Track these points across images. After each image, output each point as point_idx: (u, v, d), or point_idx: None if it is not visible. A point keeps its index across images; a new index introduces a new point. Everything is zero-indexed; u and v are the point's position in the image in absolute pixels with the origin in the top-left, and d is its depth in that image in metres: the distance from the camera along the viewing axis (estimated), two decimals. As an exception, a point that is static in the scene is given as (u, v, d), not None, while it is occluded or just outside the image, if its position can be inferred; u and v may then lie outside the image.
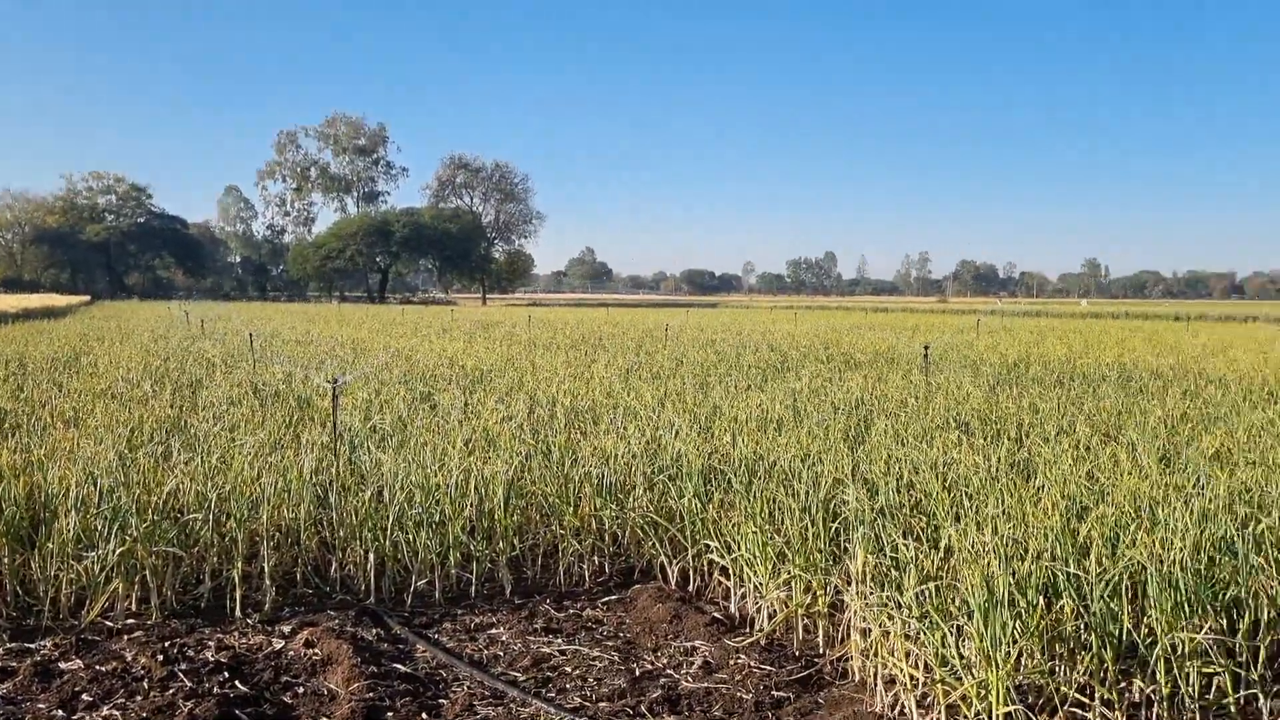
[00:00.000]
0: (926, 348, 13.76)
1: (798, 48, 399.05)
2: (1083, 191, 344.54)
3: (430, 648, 4.89)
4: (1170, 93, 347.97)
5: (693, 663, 4.74)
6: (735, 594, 5.51)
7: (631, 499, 6.44)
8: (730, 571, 5.53)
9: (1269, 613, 4.37)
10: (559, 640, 5.05)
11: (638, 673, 4.62)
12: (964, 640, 4.03)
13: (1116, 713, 3.86)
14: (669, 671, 4.64)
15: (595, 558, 6.23)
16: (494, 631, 5.22)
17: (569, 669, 4.68)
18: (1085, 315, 58.32)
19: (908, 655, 4.11)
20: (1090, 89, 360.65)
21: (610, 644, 5.02)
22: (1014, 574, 4.17)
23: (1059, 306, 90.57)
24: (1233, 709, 4.01)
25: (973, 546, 4.55)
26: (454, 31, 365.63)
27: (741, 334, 27.74)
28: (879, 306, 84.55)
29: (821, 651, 4.87)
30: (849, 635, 4.59)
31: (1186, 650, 4.02)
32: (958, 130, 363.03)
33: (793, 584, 5.04)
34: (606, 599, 5.76)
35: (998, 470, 6.38)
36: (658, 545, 6.04)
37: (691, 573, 5.93)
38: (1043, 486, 5.92)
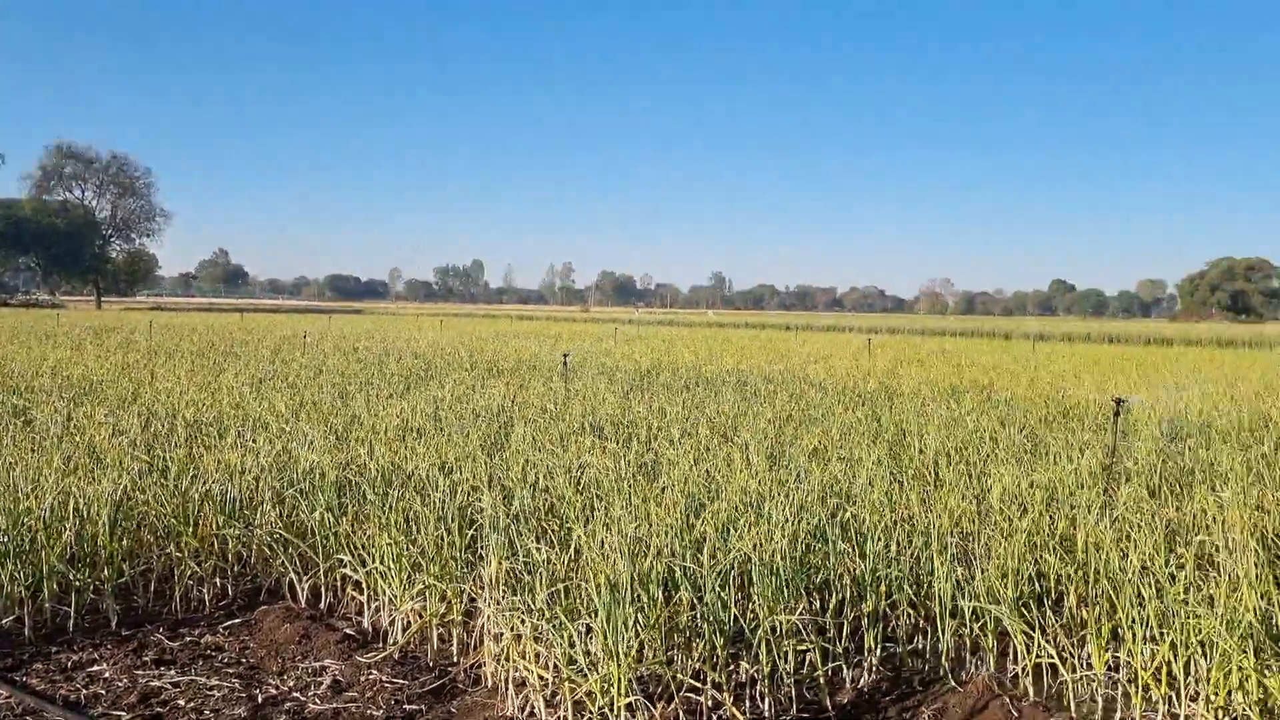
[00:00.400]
0: (565, 356, 14.19)
1: (433, 47, 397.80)
2: (711, 209, 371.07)
3: (15, 692, 4.35)
4: (772, 119, 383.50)
5: (321, 683, 4.56)
6: (369, 608, 5.38)
7: (259, 515, 6.11)
8: (364, 585, 5.39)
9: (851, 591, 4.93)
10: (172, 672, 4.67)
11: (260, 699, 4.38)
12: (591, 638, 4.20)
13: (725, 694, 4.18)
14: (295, 695, 4.44)
15: (218, 580, 5.84)
16: (96, 668, 4.74)
17: (182, 702, 4.34)
18: (712, 324, 62.86)
19: (537, 657, 4.22)
20: (717, 112, 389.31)
21: (231, 671, 4.72)
22: (636, 571, 4.41)
23: (690, 316, 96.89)
24: (822, 680, 4.48)
25: (601, 546, 4.75)
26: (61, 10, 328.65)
27: (386, 341, 27.16)
28: (524, 315, 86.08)
29: (456, 660, 4.87)
30: (482, 642, 4.63)
31: (784, 631, 4.44)
32: (599, 144, 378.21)
33: (427, 594, 5.00)
34: (229, 623, 5.41)
35: (626, 472, 6.71)
36: (287, 563, 5.76)
37: (324, 590, 5.72)
38: (666, 486, 6.30)
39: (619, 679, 3.91)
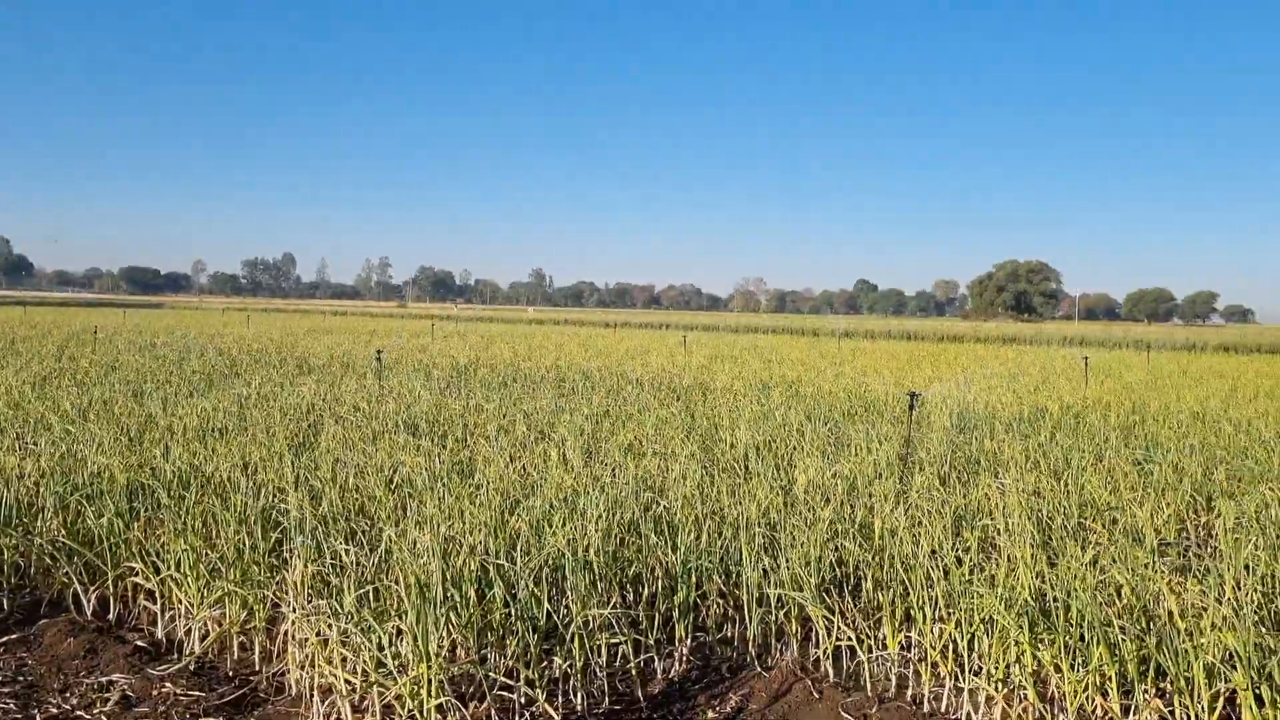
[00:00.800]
0: (379, 352, 13.85)
1: (244, 30, 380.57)
2: (531, 206, 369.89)
3: None
4: (590, 118, 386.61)
5: (109, 699, 4.29)
6: (163, 618, 5.09)
7: (40, 523, 5.69)
8: (158, 594, 5.10)
9: (664, 584, 5.03)
10: (-63, 695, 4.30)
11: (40, 719, 4.08)
12: (402, 640, 4.11)
13: (538, 690, 4.18)
14: (79, 713, 4.16)
15: (-10, 594, 5.40)
16: None
17: (-51, 728, 4.00)
18: (532, 321, 62.73)
19: (344, 662, 4.10)
20: (537, 109, 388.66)
21: (6, 691, 4.37)
22: (448, 570, 4.35)
23: (510, 313, 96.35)
24: (634, 672, 4.55)
25: (412, 546, 4.67)
26: None
27: (187, 337, 25.77)
28: (339, 310, 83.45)
29: (258, 669, 4.67)
30: (286, 649, 4.46)
31: (597, 625, 4.48)
32: (417, 137, 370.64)
33: (227, 601, 4.78)
34: (4, 639, 5.01)
35: (441, 470, 6.61)
36: (71, 573, 5.39)
37: (113, 600, 5.37)
38: (481, 484, 6.24)
39: (429, 680, 3.85)
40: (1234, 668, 3.78)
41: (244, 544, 4.95)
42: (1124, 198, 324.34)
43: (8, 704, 4.23)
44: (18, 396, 10.47)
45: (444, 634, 4.10)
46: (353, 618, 4.14)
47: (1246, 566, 4.96)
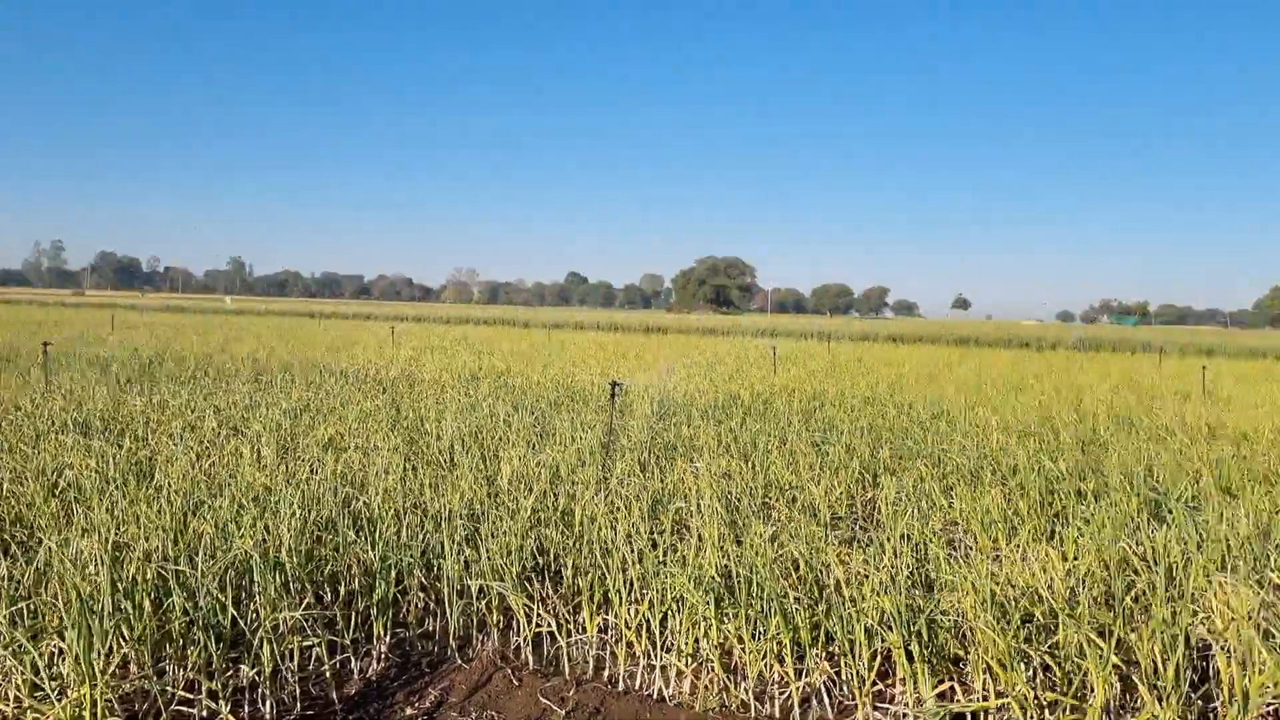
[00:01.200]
0: (46, 345, 12.56)
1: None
2: (230, 190, 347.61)
3: None
4: (289, 98, 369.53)
5: None
6: None
7: None
8: None
9: (361, 581, 4.89)
10: None
11: None
12: (64, 659, 3.75)
13: (222, 701, 3.95)
14: None
15: None
16: None
17: None
18: (230, 313, 58.98)
19: (-7, 687, 3.69)
20: (234, 87, 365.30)
21: None
22: (119, 580, 4.02)
23: (206, 303, 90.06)
24: (329, 674, 4.39)
25: (76, 556, 4.27)
26: None
27: None
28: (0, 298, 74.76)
29: (-115, 704, 4.11)
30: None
31: (289, 628, 4.29)
32: (96, 109, 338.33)
33: None
34: None
35: (114, 472, 6.09)
36: None
37: None
38: (162, 485, 5.81)
39: (93, 701, 3.54)
40: (890, 628, 4.18)
41: None
42: (811, 197, 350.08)
43: None
44: None
45: (114, 647, 3.78)
46: (2, 639, 3.73)
47: (903, 535, 5.50)
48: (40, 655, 3.63)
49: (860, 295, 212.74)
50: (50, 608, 3.96)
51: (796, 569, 4.94)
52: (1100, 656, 3.83)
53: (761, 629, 4.33)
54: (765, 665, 4.30)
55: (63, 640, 3.69)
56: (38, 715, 3.56)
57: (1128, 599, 4.56)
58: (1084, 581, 4.77)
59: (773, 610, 4.27)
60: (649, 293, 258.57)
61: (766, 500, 6.57)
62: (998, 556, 5.32)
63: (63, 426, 8.15)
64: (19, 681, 3.61)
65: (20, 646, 3.64)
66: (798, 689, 4.19)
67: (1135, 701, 3.95)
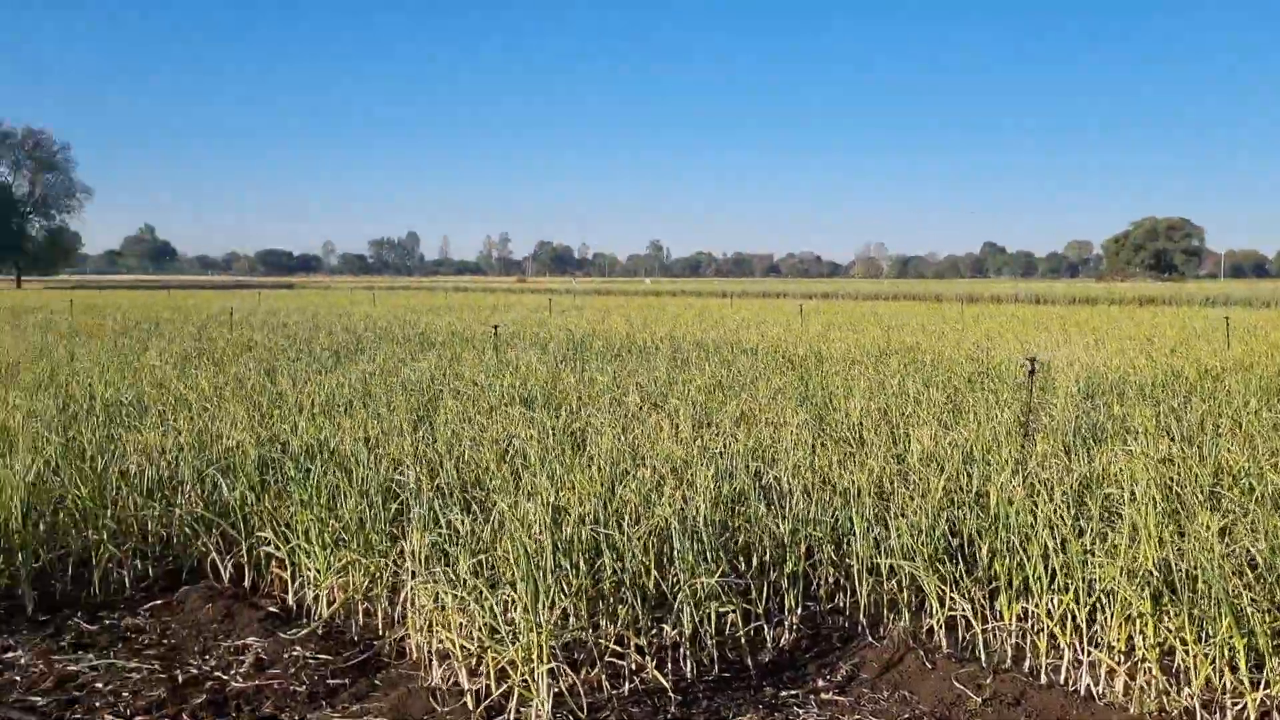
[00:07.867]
0: (496, 327, 14.13)
1: (355, 11, 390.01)
2: (648, 177, 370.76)
3: (-76, 683, 4.26)
4: (705, 87, 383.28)
5: (244, 661, 4.53)
6: (293, 585, 5.33)
7: (180, 495, 6.02)
8: (287, 562, 5.35)
9: (772, 553, 5.02)
10: (90, 655, 4.60)
11: (181, 679, 4.34)
12: (515, 607, 4.22)
13: (648, 658, 4.24)
14: (217, 674, 4.41)
15: (138, 562, 5.74)
16: (10, 655, 4.65)
17: (100, 685, 4.29)
18: (648, 293, 62.93)
19: (460, 628, 4.23)
20: (653, 81, 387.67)
21: (151, 653, 4.66)
22: (558, 539, 4.44)
23: (626, 285, 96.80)
24: (743, 641, 4.56)
25: (523, 517, 4.77)
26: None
27: (317, 316, 26.76)
28: (460, 287, 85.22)
29: (381, 634, 4.86)
30: (406, 615, 4.63)
31: (705, 594, 4.51)
32: (535, 114, 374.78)
33: (350, 569, 4.98)
34: (150, 605, 5.33)
35: (553, 442, 6.72)
36: (208, 542, 5.69)
37: (247, 568, 5.66)
38: (592, 455, 6.32)
39: (540, 646, 3.94)
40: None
41: (365, 515, 5.15)
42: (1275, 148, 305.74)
43: (152, 665, 4.50)
44: (160, 376, 11.06)
45: (555, 600, 4.18)
46: (468, 585, 4.26)
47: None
48: (496, 603, 4.10)
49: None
50: (503, 561, 4.46)
51: (1253, 567, 4.37)
52: None
53: (1210, 631, 3.89)
54: (1214, 671, 3.86)
55: (514, 591, 4.13)
56: (496, 655, 4.04)
57: None
58: None
59: (1222, 611, 3.81)
60: (1075, 260, 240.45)
61: (1216, 489, 5.86)
62: None
63: (510, 400, 9.14)
64: (480, 624, 4.11)
65: (480, 594, 4.14)
66: (1254, 701, 3.72)
67: None
